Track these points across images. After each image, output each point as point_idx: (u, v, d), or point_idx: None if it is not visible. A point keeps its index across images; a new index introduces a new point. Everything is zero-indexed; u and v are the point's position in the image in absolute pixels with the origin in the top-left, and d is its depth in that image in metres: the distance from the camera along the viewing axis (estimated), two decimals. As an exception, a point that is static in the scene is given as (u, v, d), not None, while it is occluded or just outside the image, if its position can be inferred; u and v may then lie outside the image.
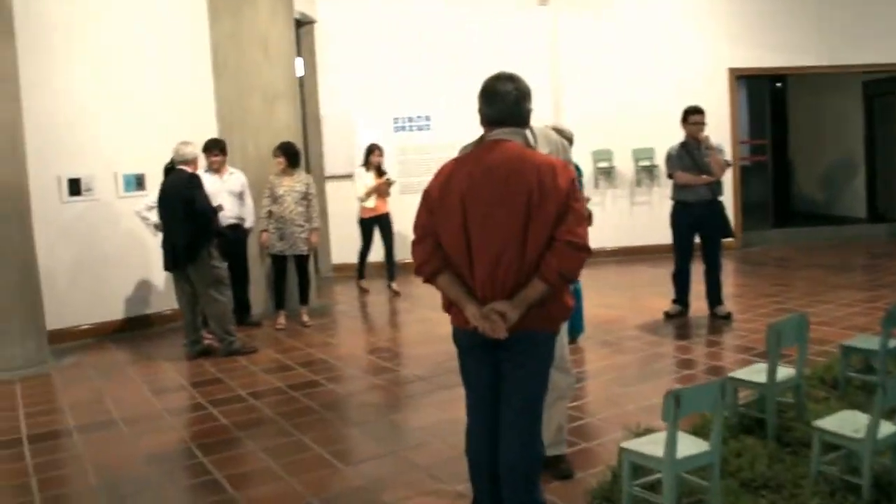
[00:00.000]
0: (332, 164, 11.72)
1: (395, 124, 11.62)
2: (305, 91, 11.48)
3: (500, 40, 11.12)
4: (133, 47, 8.52)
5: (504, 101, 3.17)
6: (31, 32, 7.74)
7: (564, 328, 4.03)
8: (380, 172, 9.82)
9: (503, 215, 3.04)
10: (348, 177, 11.50)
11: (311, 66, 11.47)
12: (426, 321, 8.07)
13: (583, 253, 3.05)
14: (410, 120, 11.61)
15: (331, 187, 11.76)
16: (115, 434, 5.36)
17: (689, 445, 3.39)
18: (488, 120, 3.23)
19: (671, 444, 3.17)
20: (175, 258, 7.18)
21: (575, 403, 5.12)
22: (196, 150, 7.33)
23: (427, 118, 11.59)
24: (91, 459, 4.90)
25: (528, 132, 3.61)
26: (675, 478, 3.29)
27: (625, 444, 3.50)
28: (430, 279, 3.24)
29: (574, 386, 4.19)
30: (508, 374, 3.17)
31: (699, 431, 4.21)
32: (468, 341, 3.22)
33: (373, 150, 9.85)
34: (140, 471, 4.69)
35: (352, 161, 11.46)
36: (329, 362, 6.88)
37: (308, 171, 10.67)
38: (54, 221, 8.04)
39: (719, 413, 3.28)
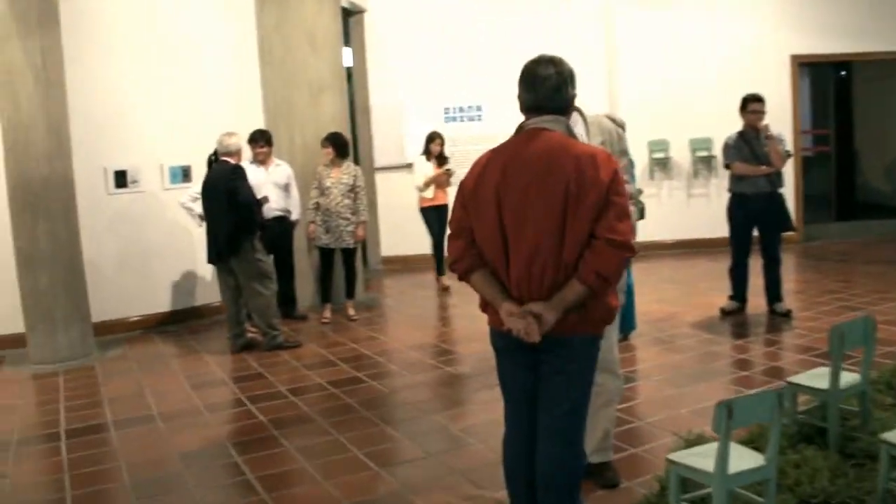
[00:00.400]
0: (381, 156, 11.56)
1: (446, 114, 11.39)
2: (354, 81, 11.35)
3: (555, 27, 10.81)
4: (179, 39, 8.46)
5: (544, 86, 2.95)
6: (77, 26, 7.72)
7: (614, 327, 3.81)
8: (441, 161, 9.51)
9: (539, 210, 2.83)
10: (398, 168, 11.38)
11: (360, 56, 11.32)
12: (474, 317, 7.78)
13: (624, 252, 2.81)
14: (461, 110, 11.38)
15: (380, 179, 11.61)
16: (152, 430, 5.27)
17: (742, 458, 3.13)
18: (527, 107, 3.02)
19: (723, 458, 2.92)
20: (218, 250, 7.09)
21: (624, 405, 4.86)
22: (240, 141, 7.22)
23: (478, 108, 11.36)
24: (125, 456, 4.82)
25: (577, 119, 3.39)
26: (726, 494, 3.03)
27: (673, 457, 3.25)
28: (464, 277, 3.05)
29: (622, 389, 3.94)
30: (547, 378, 2.96)
31: (755, 439, 3.94)
32: (504, 343, 3.02)
33: (433, 139, 9.51)
34: (173, 469, 4.58)
35: (401, 152, 11.32)
36: (372, 358, 6.72)
37: (357, 162, 10.57)
38: (100, 213, 8.04)
39: (777, 425, 3.02)
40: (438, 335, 7.62)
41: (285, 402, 5.66)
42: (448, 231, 3.13)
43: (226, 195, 6.91)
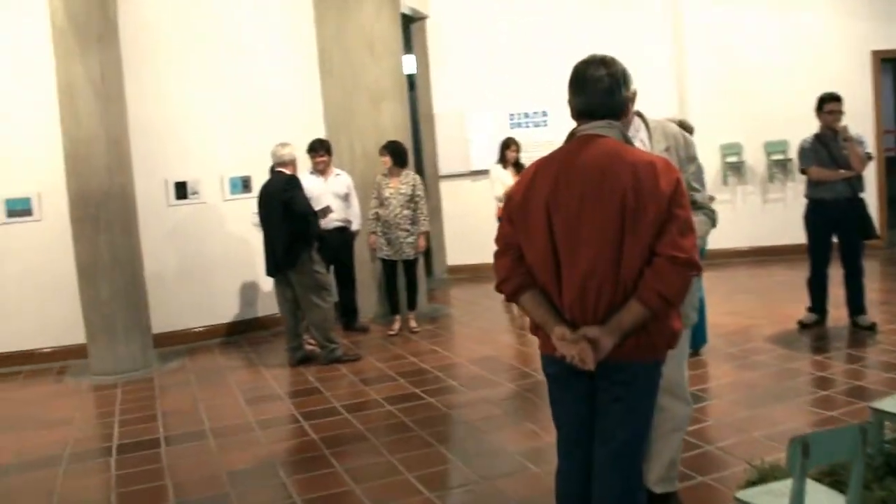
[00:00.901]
0: (445, 163, 11.38)
1: (511, 120, 11.14)
2: (417, 89, 11.21)
3: (621, 28, 10.47)
4: (239, 50, 8.43)
5: (595, 88, 2.70)
6: (137, 40, 7.75)
7: (683, 346, 3.52)
8: (518, 168, 9.17)
9: (594, 224, 2.58)
10: (463, 176, 11.20)
11: (422, 62, 11.16)
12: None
13: (688, 271, 2.54)
14: (527, 116, 11.12)
15: (445, 187, 11.44)
16: (203, 447, 5.16)
17: (820, 498, 2.82)
18: (578, 112, 2.76)
19: (797, 500, 2.61)
20: (275, 262, 6.99)
21: (693, 427, 4.52)
22: (294, 151, 7.10)
23: (544, 113, 11.07)
24: (174, 474, 4.71)
25: (638, 125, 3.13)
26: (804, 537, 2.72)
27: (741, 495, 2.94)
28: (512, 298, 2.81)
29: (690, 414, 3.63)
30: (603, 408, 2.70)
31: (835, 470, 3.59)
32: (557, 370, 2.77)
33: (509, 145, 9.13)
34: (219, 489, 4.44)
35: (466, 160, 11.14)
36: (431, 373, 6.51)
37: (420, 170, 10.42)
38: (161, 225, 8.04)
39: (859, 464, 2.68)
40: (503, 349, 7.33)
41: (339, 420, 5.49)
42: (496, 247, 2.89)
43: (281, 206, 6.81)
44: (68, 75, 6.88)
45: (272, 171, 7.16)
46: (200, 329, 8.30)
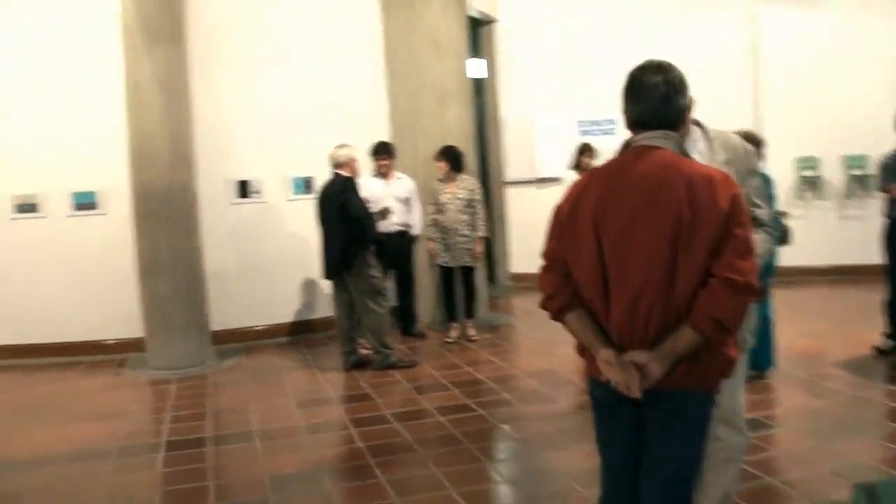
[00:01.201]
0: (511, 169, 11.20)
1: (579, 128, 10.90)
2: (485, 93, 11.08)
3: (696, 37, 10.16)
4: (305, 48, 8.42)
5: (650, 96, 2.52)
6: (204, 38, 7.82)
7: (740, 372, 3.30)
8: None
9: (646, 242, 2.40)
10: (529, 182, 11.02)
11: (491, 66, 11.02)
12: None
13: (746, 296, 2.35)
14: (595, 123, 10.86)
15: (510, 193, 11.28)
16: (249, 449, 5.11)
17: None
18: (632, 121, 2.59)
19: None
20: (331, 265, 6.94)
21: (754, 456, 4.29)
22: (351, 152, 7.01)
23: (611, 121, 10.79)
24: (217, 475, 4.67)
25: (697, 135, 2.95)
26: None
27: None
28: (557, 317, 2.65)
29: (747, 445, 3.41)
30: (651, 438, 2.52)
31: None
32: (602, 395, 2.60)
33: (584, 151, 8.92)
34: (261, 494, 4.37)
35: (532, 166, 10.95)
36: (486, 384, 6.37)
37: (485, 176, 10.28)
38: (223, 223, 8.08)
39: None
40: (562, 363, 7.06)
41: (388, 428, 5.38)
42: (542, 263, 2.74)
43: (337, 208, 6.76)
44: (135, 73, 6.96)
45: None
46: (259, 328, 8.31)
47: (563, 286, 2.61)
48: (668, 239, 2.36)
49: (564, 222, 2.61)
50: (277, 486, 4.46)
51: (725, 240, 2.33)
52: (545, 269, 2.68)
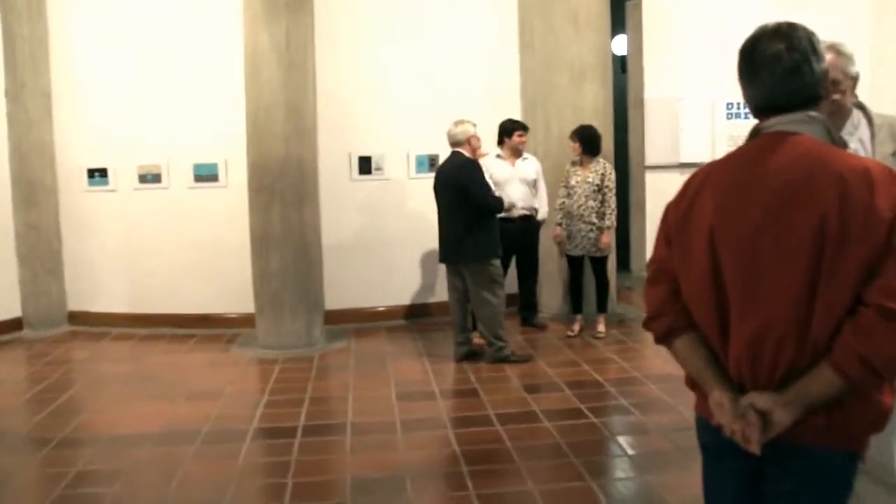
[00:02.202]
0: (653, 153, 10.43)
1: (728, 110, 10.04)
2: (629, 72, 10.37)
3: (858, 11, 9.08)
4: (435, 19, 8.02)
5: (772, 72, 1.91)
6: (333, 7, 7.55)
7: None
8: None
9: (777, 257, 1.81)
10: (671, 167, 10.24)
11: (636, 44, 10.27)
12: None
13: None
14: (746, 105, 9.93)
15: (651, 178, 10.50)
16: (338, 444, 4.76)
17: None
18: (756, 105, 1.99)
19: None
20: (447, 250, 6.50)
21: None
22: (469, 128, 6.51)
23: (766, 104, 9.87)
24: (297, 472, 4.33)
25: (858, 119, 2.31)
26: None
27: None
28: (662, 340, 2.09)
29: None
30: (771, 501, 1.93)
31: None
32: (713, 441, 2.01)
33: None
34: (338, 498, 4.00)
35: (675, 151, 10.16)
36: (604, 387, 5.78)
37: (625, 160, 9.60)
38: (342, 199, 7.83)
39: None
40: None
41: (489, 432, 4.90)
42: (646, 273, 2.18)
43: (455, 191, 6.31)
44: (254, 42, 6.74)
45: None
46: (373, 309, 8.02)
47: (670, 304, 2.04)
48: (807, 255, 1.75)
49: (674, 226, 2.04)
50: (357, 490, 4.08)
51: (885, 256, 1.70)
52: (650, 280, 2.12)
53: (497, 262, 6.49)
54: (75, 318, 8.10)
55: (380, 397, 5.65)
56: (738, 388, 1.88)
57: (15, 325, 7.88)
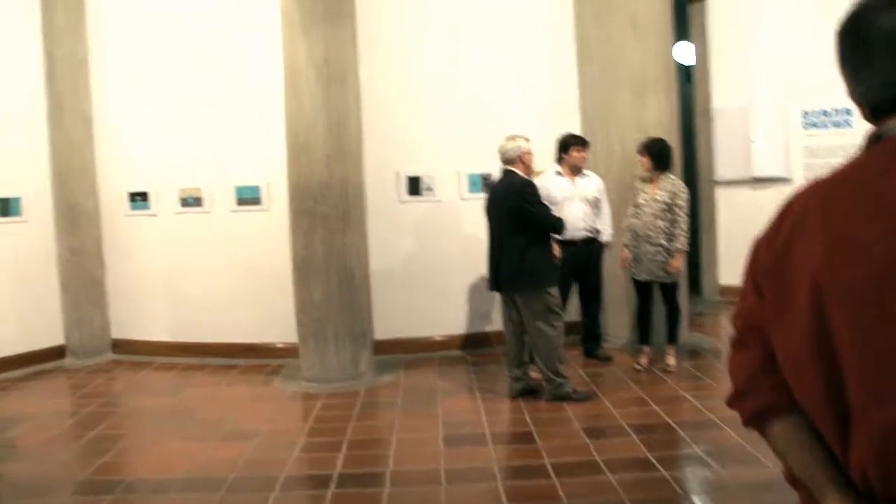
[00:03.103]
0: (724, 168, 9.80)
1: (805, 119, 9.34)
2: (695, 81, 9.76)
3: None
4: (488, 29, 7.55)
5: (892, 51, 1.36)
6: (374, 17, 7.18)
7: None
8: None
9: None
10: (743, 182, 9.60)
11: (702, 51, 9.66)
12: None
13: None
14: (825, 114, 9.25)
15: (721, 194, 9.88)
16: (373, 497, 4.27)
17: None
18: (868, 101, 1.42)
19: None
20: (498, 278, 6.00)
21: None
22: (523, 144, 6.00)
23: (847, 112, 9.14)
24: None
25: None
26: None
27: None
28: (753, 423, 1.52)
29: None
30: None
31: None
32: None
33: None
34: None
35: (747, 164, 9.52)
36: (676, 433, 5.17)
37: (693, 174, 8.98)
38: (390, 222, 7.41)
39: None
40: None
41: (543, 486, 4.35)
42: (732, 329, 1.63)
43: (509, 213, 5.82)
44: (292, 57, 6.37)
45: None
46: (426, 339, 7.55)
47: (763, 376, 1.48)
48: None
49: (766, 269, 1.46)
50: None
51: None
52: (736, 343, 1.56)
53: (554, 291, 5.96)
54: (119, 346, 7.85)
55: (425, 441, 5.16)
56: (866, 499, 1.33)
57: (58, 353, 7.66)
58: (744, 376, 1.51)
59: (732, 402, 1.55)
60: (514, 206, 5.78)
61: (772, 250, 1.42)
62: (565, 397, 5.87)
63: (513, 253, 5.84)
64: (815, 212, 1.36)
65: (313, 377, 6.53)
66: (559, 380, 5.90)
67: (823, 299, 1.29)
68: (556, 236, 6.15)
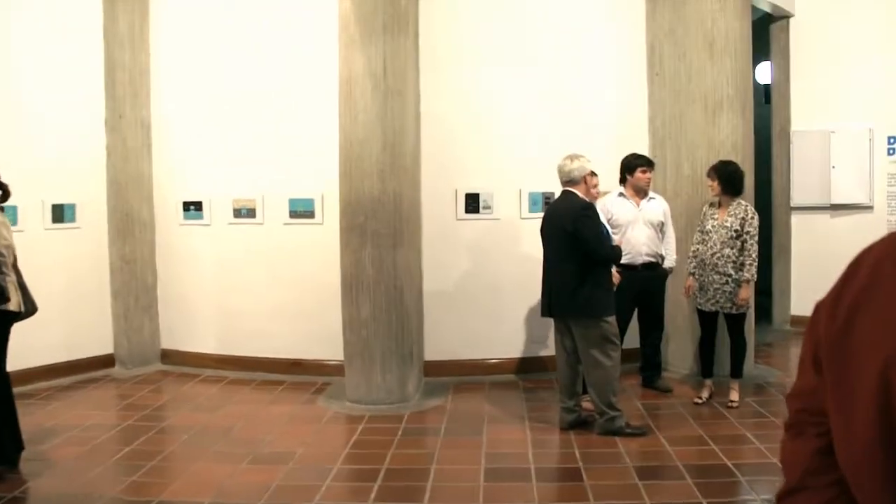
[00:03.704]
0: (800, 193, 9.32)
1: (890, 144, 8.83)
2: (774, 102, 9.32)
3: None
4: (556, 42, 7.27)
5: None
6: (437, 28, 7.04)
7: None
8: None
9: None
10: (821, 209, 9.12)
11: (783, 70, 9.20)
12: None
13: None
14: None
15: (797, 220, 9.40)
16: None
17: None
18: None
19: None
20: (554, 304, 5.70)
21: None
22: (586, 164, 5.71)
23: (934, 137, 8.64)
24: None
25: None
26: None
27: None
28: None
29: None
30: None
31: None
32: None
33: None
34: None
35: (826, 190, 9.06)
36: (734, 476, 4.78)
37: (768, 199, 8.56)
38: (446, 240, 7.18)
39: None
40: None
41: (588, 530, 4.07)
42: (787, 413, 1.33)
43: (566, 237, 5.52)
44: (348, 68, 6.20)
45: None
46: (479, 361, 7.28)
47: (818, 473, 1.17)
48: None
49: (827, 341, 1.17)
50: None
51: None
52: (789, 426, 1.26)
53: (611, 319, 5.63)
54: (168, 356, 7.78)
55: (464, 473, 4.88)
56: None
57: (107, 361, 7.61)
58: (798, 470, 1.21)
59: (783, 498, 1.25)
60: (571, 230, 5.49)
61: (834, 319, 1.12)
62: (618, 432, 5.53)
63: (567, 277, 5.55)
64: (891, 276, 1.06)
65: (358, 398, 6.33)
66: (612, 413, 5.57)
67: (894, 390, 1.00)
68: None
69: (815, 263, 9.10)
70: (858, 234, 8.95)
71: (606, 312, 5.58)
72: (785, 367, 7.71)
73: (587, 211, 5.55)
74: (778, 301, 9.49)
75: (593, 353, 5.55)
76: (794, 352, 8.28)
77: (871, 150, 8.82)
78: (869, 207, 8.85)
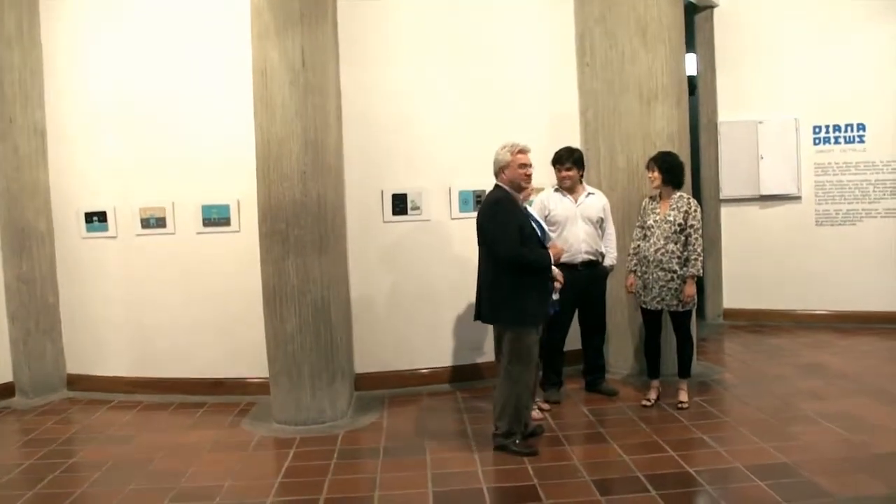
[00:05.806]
0: (729, 185, 9.25)
1: (814, 135, 8.81)
2: (699, 93, 9.19)
3: None
4: (476, 34, 6.93)
5: None
6: (356, 20, 6.61)
7: None
8: None
9: None
10: (749, 200, 9.06)
11: (707, 62, 9.11)
12: (851, 418, 5.42)
13: None
14: (836, 129, 8.71)
15: (726, 213, 9.35)
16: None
17: None
18: None
19: None
20: (478, 307, 5.33)
21: None
22: (507, 156, 5.22)
23: (860, 127, 8.61)
24: None
25: None
26: None
27: None
28: None
29: None
30: None
31: None
32: None
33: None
34: None
35: (754, 181, 9.01)
36: (696, 484, 4.46)
37: (696, 192, 8.38)
38: (372, 245, 6.77)
39: None
40: (801, 450, 4.93)
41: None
42: None
43: (481, 236, 5.18)
44: (263, 61, 5.70)
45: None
46: (413, 372, 6.87)
47: None
48: None
49: None
50: None
51: None
52: None
53: (530, 333, 5.13)
54: (75, 382, 7.13)
55: (413, 499, 4.44)
56: None
57: (5, 391, 6.94)
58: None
59: None
60: (482, 227, 5.12)
61: None
62: (505, 448, 5.13)
63: (487, 278, 5.17)
64: None
65: (286, 419, 5.85)
66: (510, 438, 5.13)
67: None
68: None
69: (745, 256, 9.07)
70: (788, 225, 8.88)
71: (523, 323, 5.09)
72: (723, 361, 7.56)
73: (497, 205, 5.09)
74: (710, 295, 9.39)
75: (504, 365, 5.17)
76: (730, 346, 8.17)
77: (798, 141, 8.80)
78: (797, 198, 8.82)
